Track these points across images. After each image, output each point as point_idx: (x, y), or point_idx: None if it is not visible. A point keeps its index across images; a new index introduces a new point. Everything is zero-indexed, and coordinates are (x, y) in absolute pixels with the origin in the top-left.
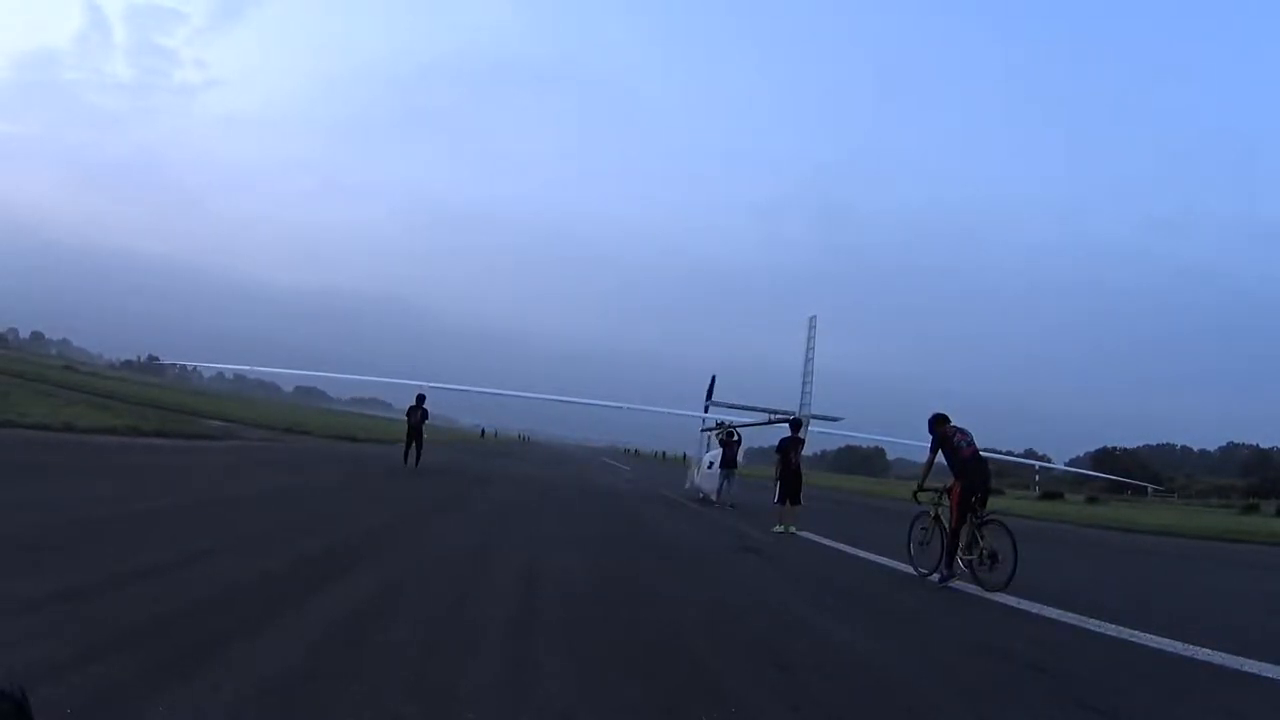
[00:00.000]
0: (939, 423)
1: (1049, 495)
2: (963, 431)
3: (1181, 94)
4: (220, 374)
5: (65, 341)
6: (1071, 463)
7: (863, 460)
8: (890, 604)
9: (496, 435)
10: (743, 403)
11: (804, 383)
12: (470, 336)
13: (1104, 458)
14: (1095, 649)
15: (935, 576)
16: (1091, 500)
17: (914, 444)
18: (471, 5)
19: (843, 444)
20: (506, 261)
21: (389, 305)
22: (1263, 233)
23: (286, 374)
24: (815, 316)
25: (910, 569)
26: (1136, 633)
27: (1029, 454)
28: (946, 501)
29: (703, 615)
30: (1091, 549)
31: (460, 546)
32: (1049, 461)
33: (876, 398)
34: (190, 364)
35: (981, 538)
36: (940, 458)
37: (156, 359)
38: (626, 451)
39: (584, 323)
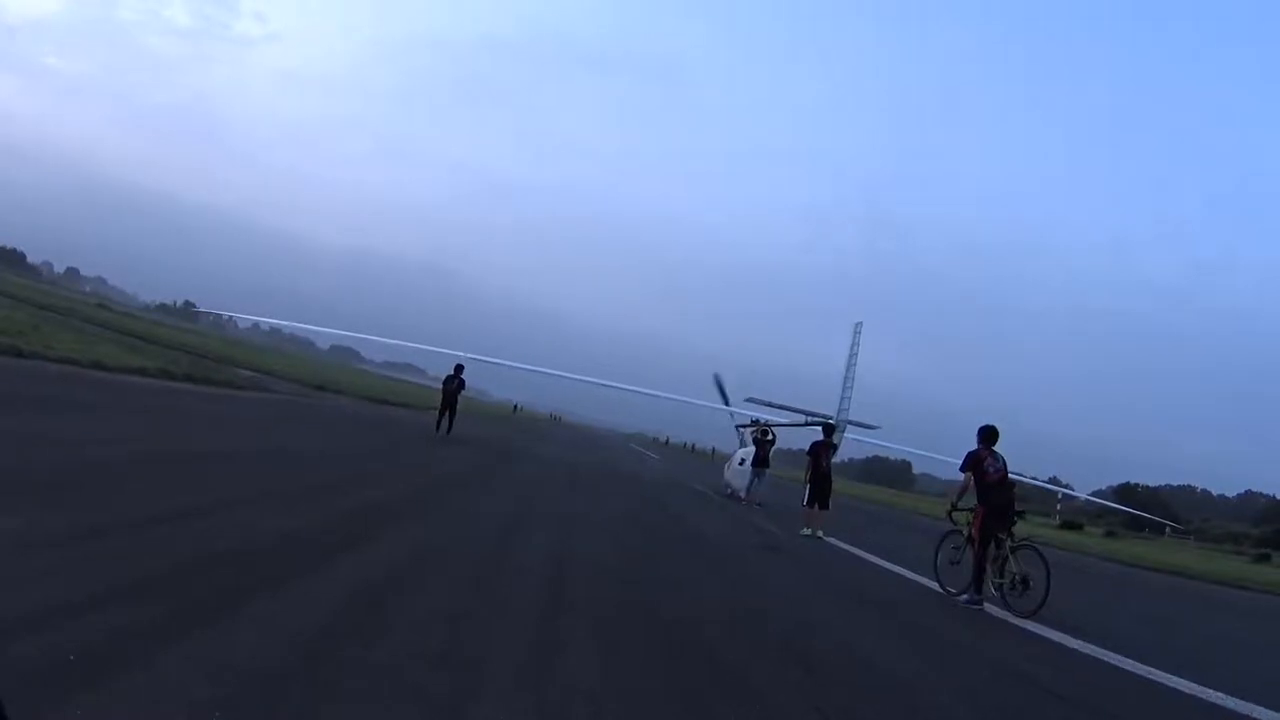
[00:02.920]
0: (985, 438)
1: (1069, 525)
2: (995, 455)
3: (1229, 137)
4: (256, 326)
5: (100, 279)
6: (1094, 494)
7: (890, 471)
8: (915, 618)
9: (527, 411)
10: (780, 402)
11: (844, 387)
12: (510, 311)
13: (1126, 492)
14: (1115, 682)
15: (964, 598)
16: (1110, 534)
17: (941, 459)
18: None
19: (871, 453)
20: (551, 240)
21: (432, 273)
22: None
23: (323, 331)
24: (861, 323)
25: (936, 587)
26: (1155, 670)
27: (1053, 481)
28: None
29: (727, 610)
30: (1111, 583)
31: (491, 517)
32: (1071, 490)
33: (907, 409)
34: (226, 313)
35: (1014, 563)
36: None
37: (193, 305)
38: (656, 440)
39: (623, 308)
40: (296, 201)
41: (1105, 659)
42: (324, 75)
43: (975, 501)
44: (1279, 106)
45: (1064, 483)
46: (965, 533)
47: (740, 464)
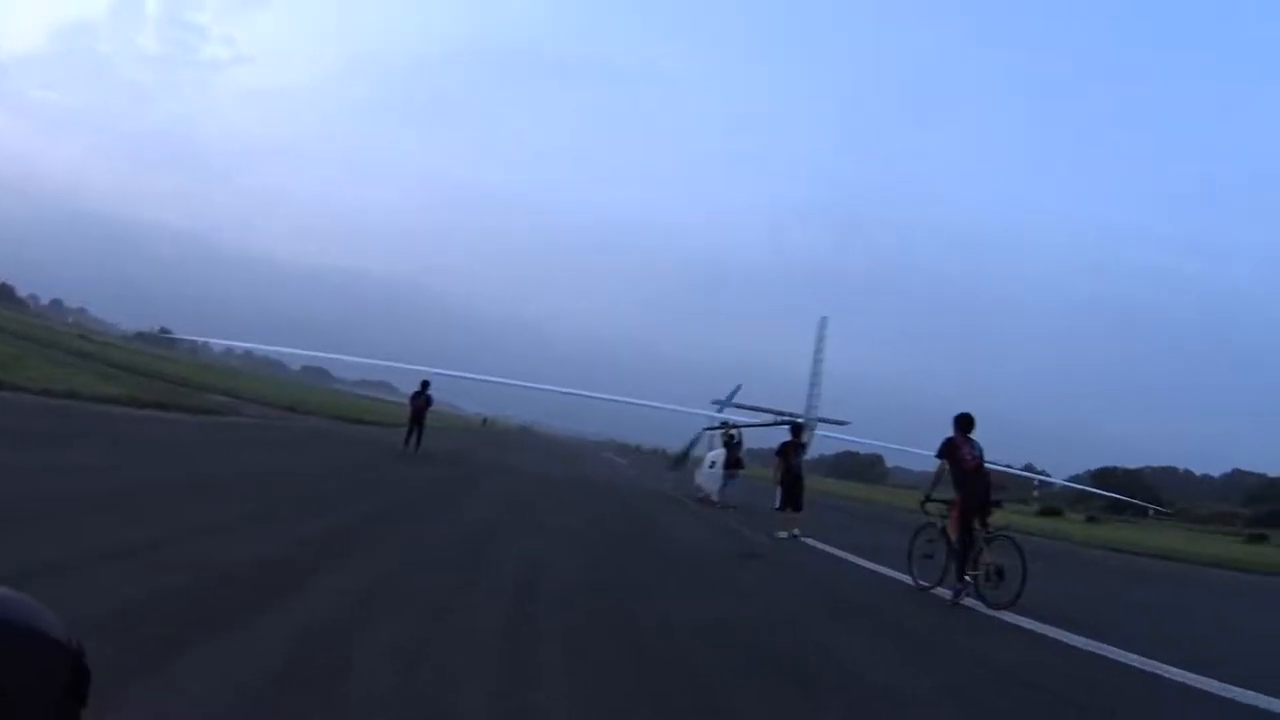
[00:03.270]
0: (962, 426)
1: (1048, 511)
2: (971, 443)
3: (1221, 122)
4: (229, 350)
5: (83, 310)
6: (1071, 480)
7: (861, 466)
8: (904, 621)
9: (497, 424)
10: (751, 404)
11: (812, 384)
12: (479, 324)
13: (1105, 476)
14: (1117, 680)
15: (948, 593)
16: (1091, 519)
17: (914, 451)
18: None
19: (841, 448)
20: (519, 251)
21: (400, 289)
22: None
23: (293, 353)
24: (826, 318)
25: (910, 581)
26: (1158, 664)
27: (1028, 468)
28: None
29: (709, 625)
30: (1097, 570)
31: (455, 537)
32: (1048, 476)
33: (877, 404)
34: (200, 339)
35: (988, 554)
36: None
37: (168, 332)
38: (627, 447)
39: (591, 317)
40: (268, 222)
41: (1109, 655)
42: (293, 95)
43: (952, 492)
44: (1247, 97)
45: (1039, 469)
46: (939, 525)
47: (710, 467)
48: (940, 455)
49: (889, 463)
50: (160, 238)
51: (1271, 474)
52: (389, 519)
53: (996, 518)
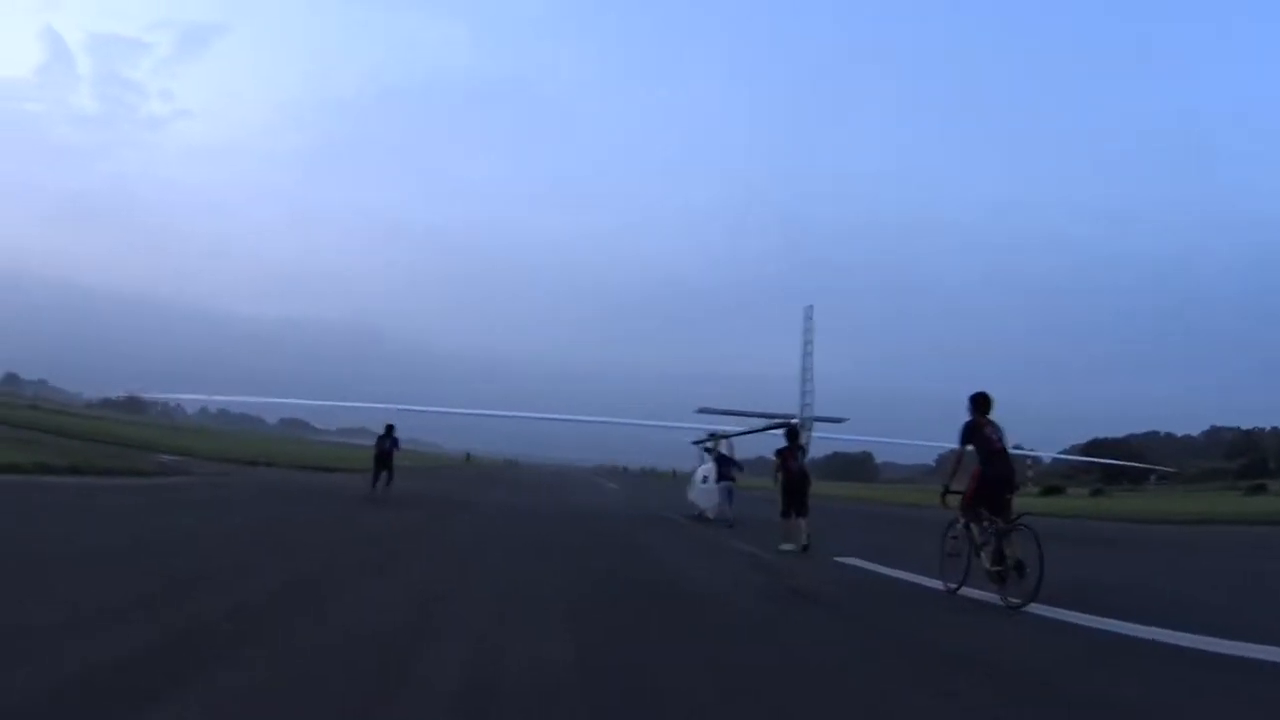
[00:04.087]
0: (979, 406)
1: (1050, 490)
2: (993, 424)
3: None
4: (204, 408)
5: (42, 382)
6: (1062, 454)
7: (852, 465)
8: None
9: (480, 460)
10: (736, 409)
11: (803, 380)
12: (453, 361)
13: (1096, 448)
14: None
15: (996, 597)
16: (1096, 492)
17: (903, 443)
18: (428, 32)
19: (830, 450)
20: (481, 284)
21: (370, 333)
22: (1221, 224)
23: (266, 403)
24: (811, 306)
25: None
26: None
27: (1016, 448)
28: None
29: None
30: (1135, 546)
31: (391, 612)
32: (1036, 454)
33: (852, 403)
34: (172, 401)
35: (1010, 545)
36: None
37: (137, 396)
38: (614, 469)
39: (561, 342)
40: (228, 277)
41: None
42: (235, 147)
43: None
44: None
45: (1026, 448)
46: (962, 519)
47: (703, 482)
48: (963, 441)
49: (878, 459)
50: (117, 302)
51: (1245, 426)
52: (286, 601)
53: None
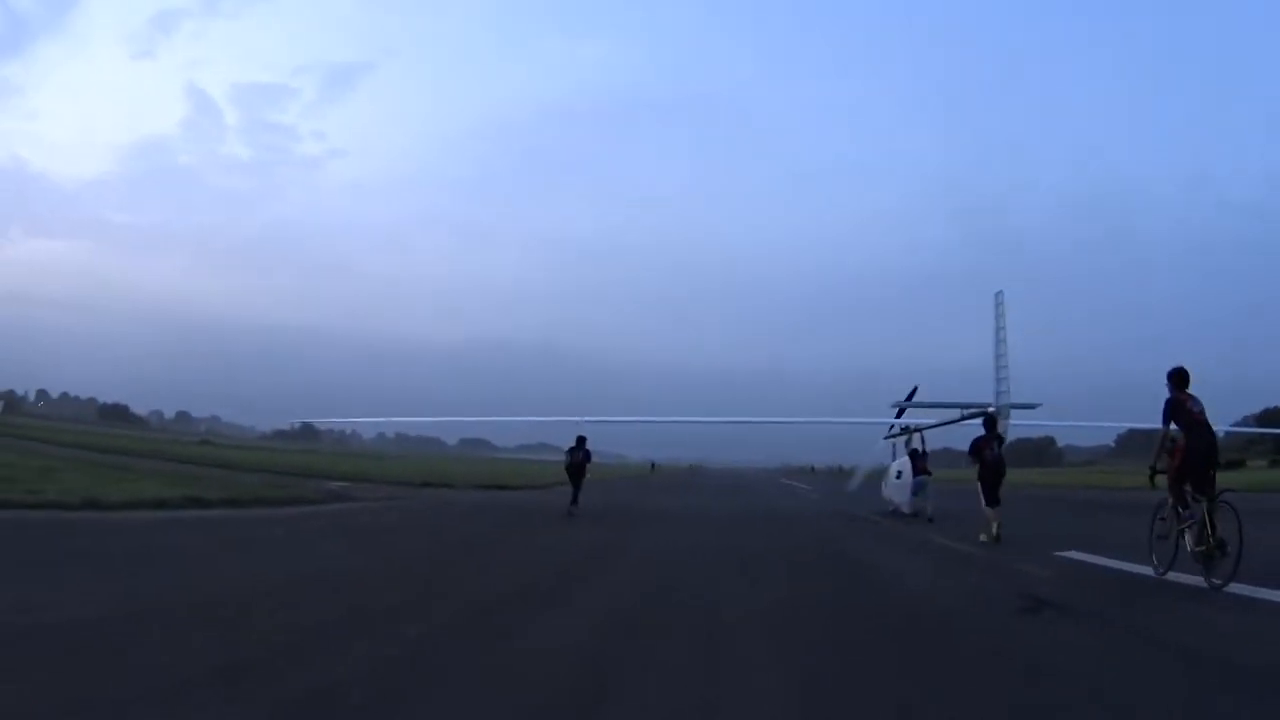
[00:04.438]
0: (1179, 382)
1: (1230, 463)
2: (1193, 398)
3: None
4: (381, 433)
5: (214, 418)
6: (1235, 425)
7: (1033, 452)
8: None
9: (666, 467)
10: (932, 400)
11: (997, 368)
12: (633, 372)
13: (1268, 417)
14: None
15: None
16: (1276, 464)
17: (1086, 425)
18: (574, 48)
19: (1013, 437)
20: (656, 294)
21: (549, 349)
22: None
23: (443, 422)
24: (1001, 291)
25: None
26: None
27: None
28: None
29: None
30: None
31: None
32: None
33: (1033, 386)
34: (347, 427)
35: (1215, 524)
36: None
37: (310, 425)
38: (802, 469)
39: (739, 344)
40: (397, 305)
41: None
42: (393, 179)
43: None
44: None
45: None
46: (1171, 499)
47: (898, 477)
48: (1167, 418)
49: (1060, 443)
50: (289, 337)
51: None
52: (398, 670)
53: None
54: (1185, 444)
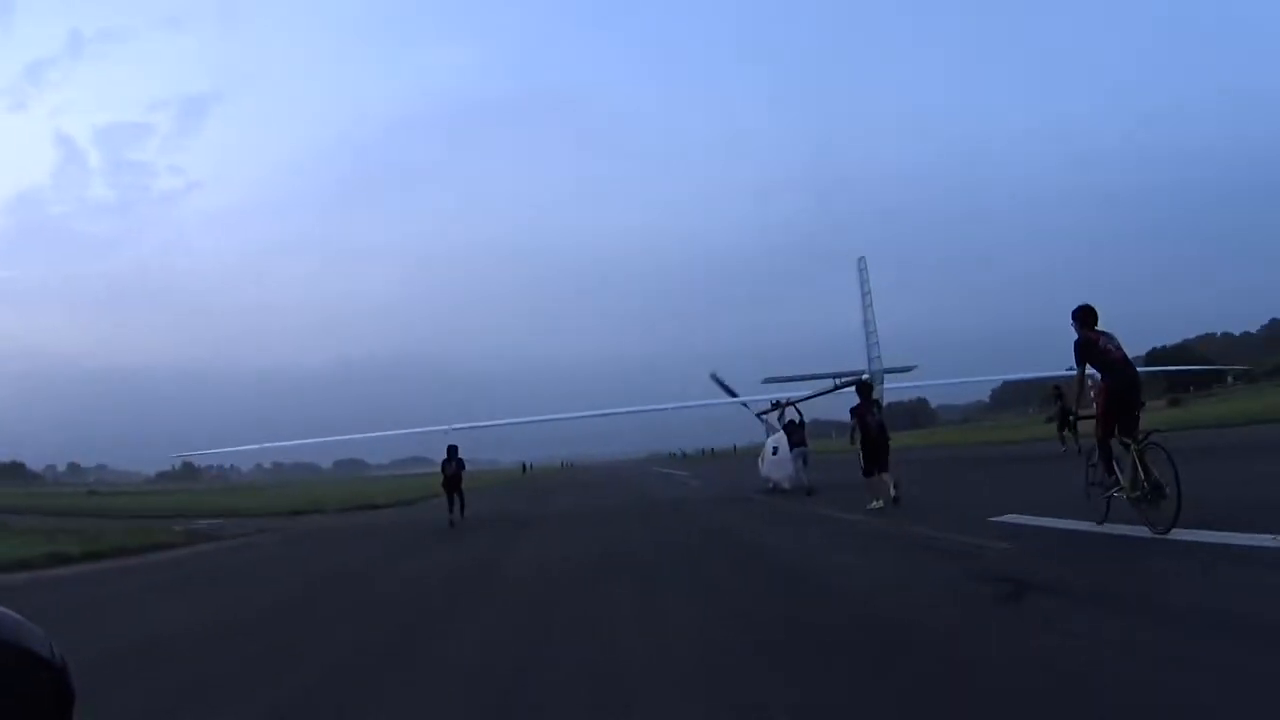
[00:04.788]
0: (1085, 320)
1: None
2: (1107, 334)
3: None
4: (259, 465)
5: (102, 467)
6: None
7: (908, 414)
8: None
9: (539, 468)
10: (801, 373)
11: (867, 334)
12: (504, 376)
13: (1158, 357)
14: None
15: (1112, 492)
16: (1174, 403)
17: (962, 382)
18: (419, 57)
19: (888, 400)
20: (521, 295)
21: (419, 361)
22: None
23: (316, 444)
24: (864, 258)
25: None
26: None
27: (1071, 369)
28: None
29: None
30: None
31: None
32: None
33: (905, 348)
34: (225, 461)
35: (1146, 466)
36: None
37: (191, 464)
38: (673, 456)
39: (611, 339)
40: (267, 332)
41: None
42: (251, 206)
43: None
44: None
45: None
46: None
47: (774, 453)
48: (1080, 359)
49: (933, 403)
50: (165, 377)
51: None
52: None
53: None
54: (1107, 386)
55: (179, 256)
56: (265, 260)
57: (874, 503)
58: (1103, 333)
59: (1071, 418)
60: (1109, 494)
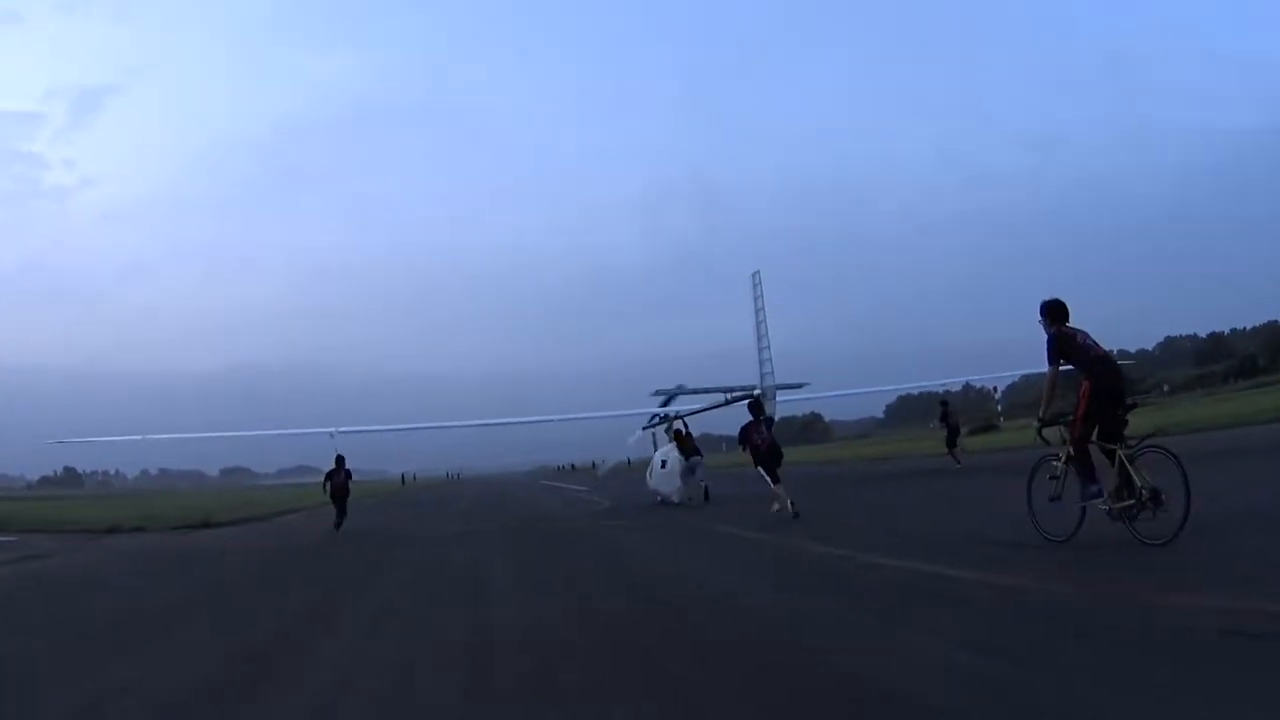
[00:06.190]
0: (1055, 315)
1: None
2: (1082, 331)
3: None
4: (144, 470)
5: None
6: (1013, 387)
7: (800, 429)
8: None
9: (421, 479)
10: (693, 386)
11: (760, 348)
12: (390, 386)
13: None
14: None
15: (1093, 492)
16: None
17: (858, 393)
18: (309, 62)
19: (777, 414)
20: (409, 305)
21: (310, 371)
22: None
23: (194, 438)
24: (758, 271)
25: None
26: None
27: (968, 388)
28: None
29: None
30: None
31: None
32: (995, 390)
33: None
34: (110, 465)
35: (1138, 474)
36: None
37: (73, 470)
38: (560, 469)
39: (502, 351)
40: (155, 336)
41: None
42: (144, 205)
43: (1074, 410)
44: None
45: (979, 386)
46: (1062, 454)
47: (663, 466)
48: (1054, 357)
49: (827, 418)
50: (52, 376)
51: (1201, 333)
52: None
53: (996, 440)
54: (1090, 385)
55: (69, 254)
56: (155, 260)
57: (775, 506)
58: (1078, 329)
59: (1040, 424)
60: (1084, 504)
